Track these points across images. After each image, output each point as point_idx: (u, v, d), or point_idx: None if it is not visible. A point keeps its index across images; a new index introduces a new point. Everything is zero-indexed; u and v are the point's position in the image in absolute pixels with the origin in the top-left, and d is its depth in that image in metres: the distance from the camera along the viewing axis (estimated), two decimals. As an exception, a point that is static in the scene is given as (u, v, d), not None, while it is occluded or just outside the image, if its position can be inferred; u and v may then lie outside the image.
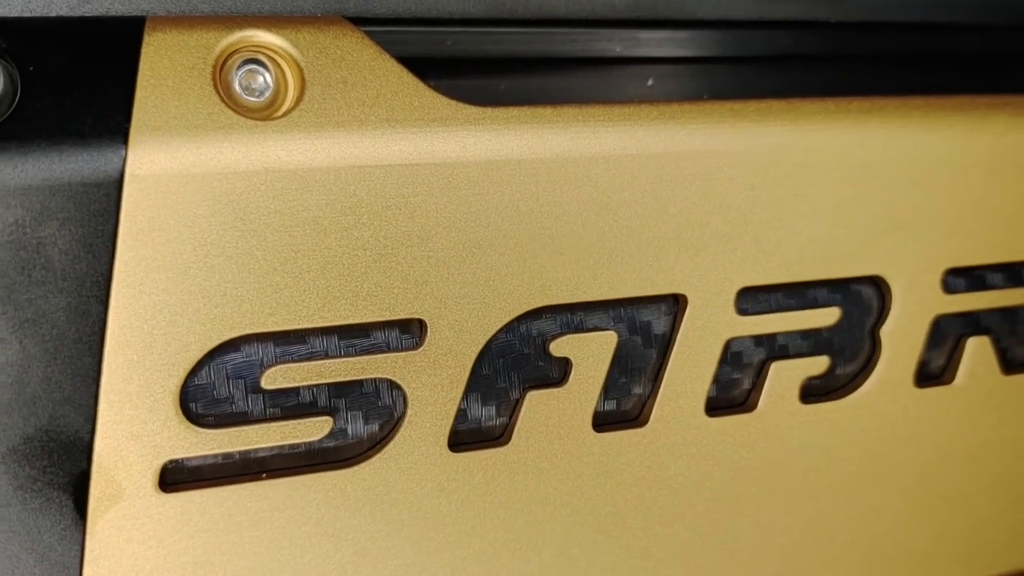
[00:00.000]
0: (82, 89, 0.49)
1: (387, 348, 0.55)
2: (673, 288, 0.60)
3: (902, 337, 0.66)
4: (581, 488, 0.60)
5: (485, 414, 0.58)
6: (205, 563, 0.54)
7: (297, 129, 0.51)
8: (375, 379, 0.56)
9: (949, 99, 0.64)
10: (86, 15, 0.49)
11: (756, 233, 0.60)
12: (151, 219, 0.49)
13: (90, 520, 0.52)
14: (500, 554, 0.60)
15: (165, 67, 0.49)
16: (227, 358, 0.53)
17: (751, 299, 0.62)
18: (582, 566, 0.62)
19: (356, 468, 0.56)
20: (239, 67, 0.51)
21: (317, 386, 0.55)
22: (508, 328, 0.58)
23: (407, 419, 0.56)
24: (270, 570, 0.55)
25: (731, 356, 0.63)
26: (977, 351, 0.68)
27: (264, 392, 0.54)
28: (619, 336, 0.60)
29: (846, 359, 0.66)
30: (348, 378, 0.55)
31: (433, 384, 0.56)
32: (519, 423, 0.58)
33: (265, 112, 0.51)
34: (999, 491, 0.73)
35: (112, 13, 0.49)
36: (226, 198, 0.50)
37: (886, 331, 0.65)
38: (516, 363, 0.58)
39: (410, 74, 0.53)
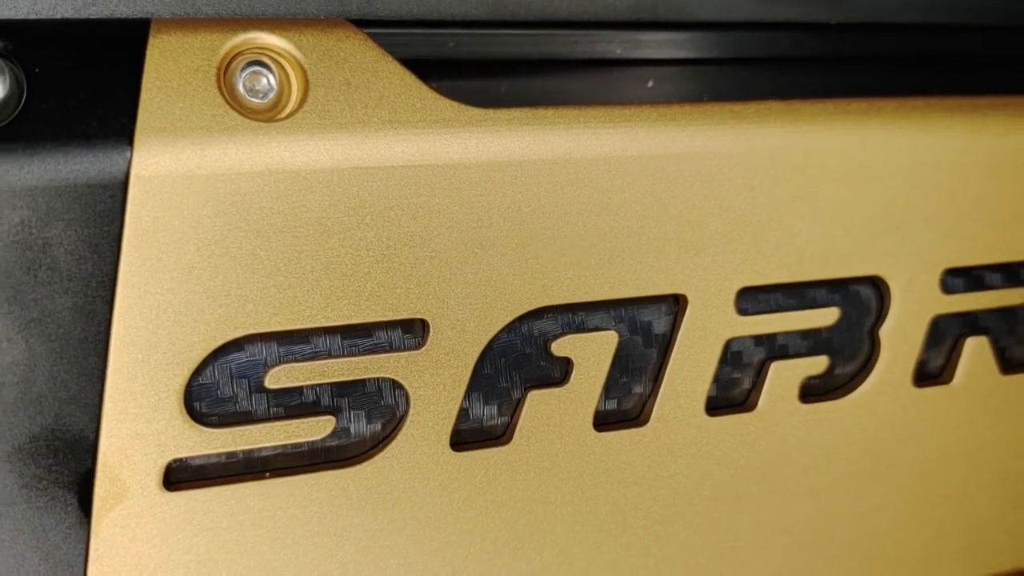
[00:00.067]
0: (87, 91, 0.49)
1: (390, 348, 0.56)
2: (673, 288, 0.60)
3: (901, 337, 0.66)
4: (582, 487, 0.61)
5: (487, 413, 0.59)
6: (209, 562, 0.54)
7: (301, 130, 0.51)
8: (378, 379, 0.56)
9: (948, 100, 0.64)
10: (91, 17, 0.49)
11: (756, 234, 0.60)
12: (156, 220, 0.50)
13: (94, 519, 0.52)
14: (502, 553, 0.60)
15: (170, 69, 0.50)
16: (231, 358, 0.53)
17: (751, 299, 0.63)
18: (583, 565, 0.62)
19: (359, 467, 0.56)
20: (243, 69, 0.51)
21: (320, 385, 0.55)
22: (510, 328, 0.58)
23: (409, 418, 0.56)
24: (273, 569, 0.55)
25: (731, 356, 0.63)
26: (976, 351, 0.69)
27: (268, 391, 0.54)
28: (620, 336, 0.60)
29: (845, 359, 0.66)
30: (351, 378, 0.55)
31: (435, 383, 0.56)
32: (521, 422, 0.59)
33: (269, 114, 0.51)
34: (998, 490, 0.73)
35: (117, 15, 0.49)
36: (230, 199, 0.51)
37: (885, 331, 0.66)
38: (518, 363, 0.59)
39: (413, 76, 0.53)
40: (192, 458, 0.54)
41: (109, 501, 0.52)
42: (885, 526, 0.70)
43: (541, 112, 0.55)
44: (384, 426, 0.57)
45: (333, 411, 0.56)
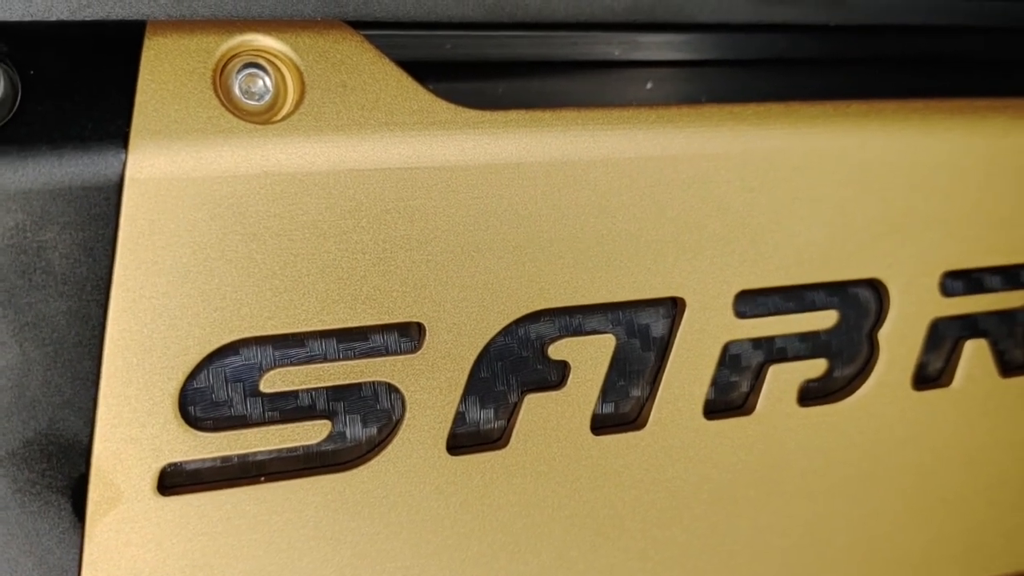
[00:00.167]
0: (83, 93, 0.49)
1: (386, 351, 0.55)
2: (671, 291, 0.60)
3: (900, 340, 0.66)
4: (579, 491, 0.60)
5: (483, 417, 0.58)
6: (204, 566, 0.54)
7: (297, 133, 0.51)
8: (374, 382, 0.56)
9: (947, 102, 0.64)
10: (87, 19, 0.49)
11: (754, 236, 0.60)
12: (151, 223, 0.49)
13: (89, 523, 0.52)
14: (499, 557, 0.60)
15: (165, 71, 0.49)
16: (226, 361, 0.53)
17: (749, 302, 0.62)
18: (581, 569, 0.62)
19: (354, 471, 0.56)
20: (239, 71, 0.51)
21: (316, 389, 0.55)
22: (506, 331, 0.58)
23: (405, 422, 0.56)
24: (269, 573, 0.55)
25: (729, 359, 0.63)
26: (975, 354, 0.69)
27: (263, 395, 0.54)
28: (617, 339, 0.60)
29: (844, 362, 0.66)
30: (347, 381, 0.55)
31: (431, 387, 0.56)
32: (517, 426, 0.59)
33: (265, 116, 0.51)
34: (997, 493, 0.73)
35: (113, 17, 0.49)
36: (226, 202, 0.50)
37: (884, 334, 0.66)
38: (514, 366, 0.58)
39: (409, 78, 0.53)
40: (187, 462, 0.54)
41: (103, 505, 0.52)
42: (884, 529, 0.69)
43: (538, 114, 0.55)
44: (380, 430, 0.57)
45: (329, 415, 0.55)
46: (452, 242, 0.55)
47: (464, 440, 0.58)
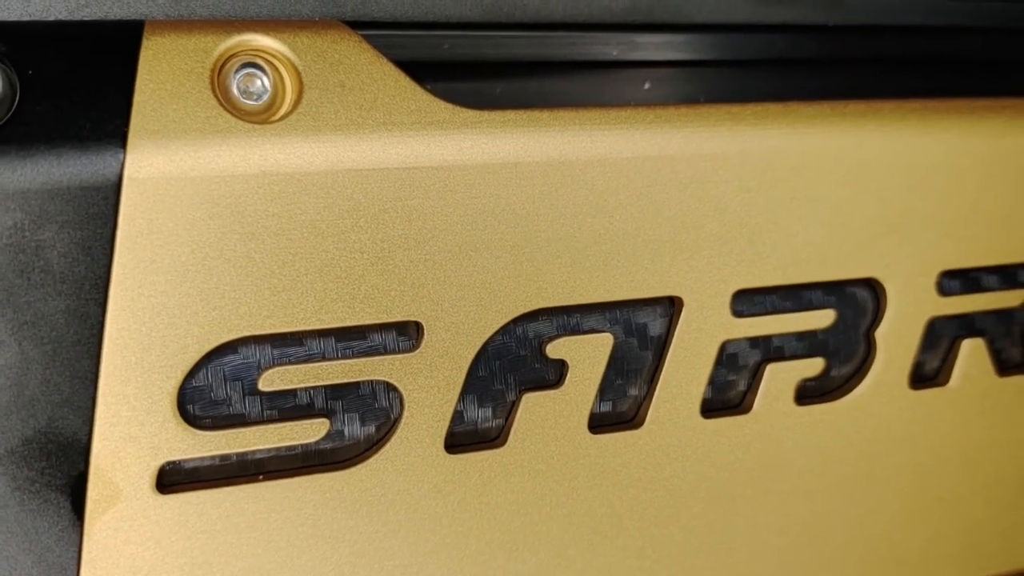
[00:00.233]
0: (81, 93, 0.49)
1: (384, 350, 0.56)
2: (669, 290, 0.60)
3: (897, 339, 0.66)
4: (577, 489, 0.61)
5: (481, 416, 0.59)
6: (202, 564, 0.54)
7: (295, 132, 0.51)
8: (372, 381, 0.56)
9: (945, 102, 0.64)
10: (85, 19, 0.49)
11: (752, 236, 0.60)
12: (149, 222, 0.50)
13: (88, 521, 0.52)
14: (496, 555, 0.60)
15: (163, 71, 0.50)
16: (225, 360, 0.53)
17: (746, 301, 0.62)
18: (578, 567, 0.62)
19: (353, 470, 0.56)
20: (237, 71, 0.51)
21: (314, 388, 0.55)
22: (504, 330, 0.58)
23: (403, 421, 0.56)
24: (267, 571, 0.55)
25: (726, 358, 0.63)
26: (972, 353, 0.69)
27: (261, 394, 0.54)
28: (615, 338, 0.60)
29: (841, 361, 0.66)
30: (345, 380, 0.55)
31: (429, 386, 0.56)
32: (515, 425, 0.59)
33: (263, 116, 0.51)
34: (994, 492, 0.73)
35: (111, 17, 0.49)
36: (224, 201, 0.51)
37: (881, 333, 0.66)
38: (512, 365, 0.58)
39: (407, 78, 0.53)
40: (185, 461, 0.54)
41: (102, 504, 0.52)
42: (881, 528, 0.70)
43: (536, 114, 0.55)
44: (378, 428, 0.57)
45: (327, 414, 0.56)
46: (450, 241, 0.55)
47: (462, 439, 0.58)
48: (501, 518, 0.59)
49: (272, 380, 0.54)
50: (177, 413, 0.52)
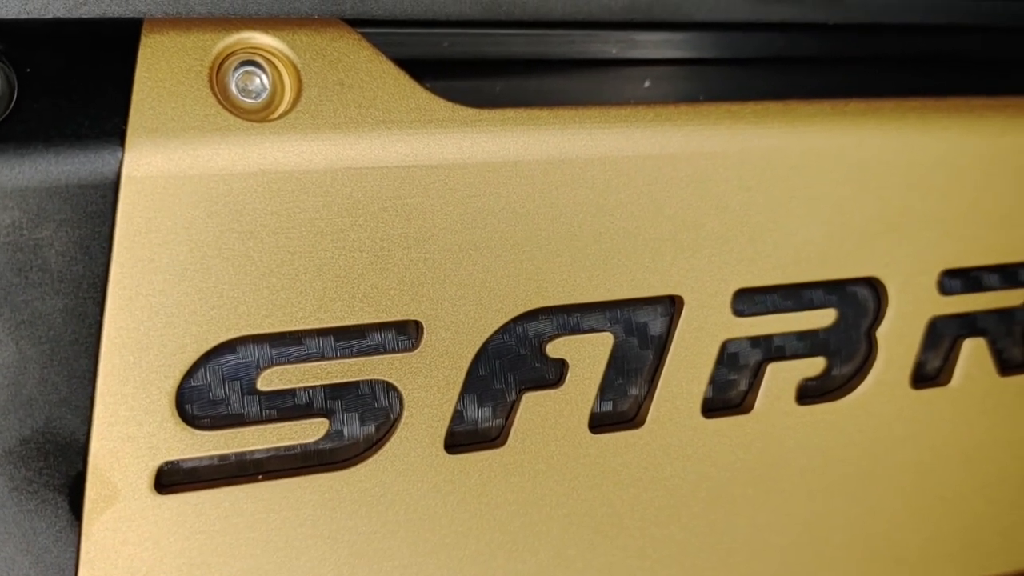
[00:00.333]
0: (79, 91, 0.49)
1: (383, 350, 0.55)
2: (669, 289, 0.60)
3: (898, 338, 0.66)
4: (577, 489, 0.60)
5: (481, 415, 0.58)
6: (201, 564, 0.54)
7: (294, 131, 0.51)
8: (371, 381, 0.56)
9: (945, 101, 0.64)
10: (83, 17, 0.49)
11: (752, 235, 0.60)
12: (148, 221, 0.49)
13: (86, 522, 0.52)
14: (496, 555, 0.60)
15: (162, 69, 0.49)
16: (223, 360, 0.53)
17: (747, 300, 0.62)
18: (579, 567, 0.62)
19: (352, 470, 0.56)
20: (236, 69, 0.51)
21: (313, 388, 0.55)
22: (504, 330, 0.58)
23: (403, 421, 0.56)
24: (266, 571, 0.55)
25: (727, 357, 0.63)
26: (973, 352, 0.69)
27: (260, 394, 0.54)
28: (615, 337, 0.60)
29: (842, 360, 0.66)
30: (344, 380, 0.55)
31: (429, 386, 0.56)
32: (515, 424, 0.58)
33: (262, 114, 0.51)
34: (995, 492, 0.73)
35: (109, 15, 0.49)
36: (223, 200, 0.50)
37: (882, 332, 0.66)
38: (512, 364, 0.58)
39: (406, 76, 0.53)
40: (184, 460, 0.54)
41: (100, 504, 0.52)
42: (882, 528, 0.69)
43: (536, 112, 0.55)
44: (378, 428, 0.57)
45: (326, 413, 0.55)
46: (450, 240, 0.55)
47: (462, 438, 0.58)
48: (501, 518, 0.59)
49: (271, 380, 0.54)
50: (176, 413, 0.52)
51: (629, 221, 0.58)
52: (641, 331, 0.61)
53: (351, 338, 0.55)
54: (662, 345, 0.61)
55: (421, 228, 0.54)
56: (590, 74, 0.62)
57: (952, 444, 0.70)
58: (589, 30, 0.61)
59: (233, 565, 0.55)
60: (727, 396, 0.64)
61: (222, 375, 0.53)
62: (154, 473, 0.52)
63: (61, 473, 0.51)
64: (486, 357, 0.58)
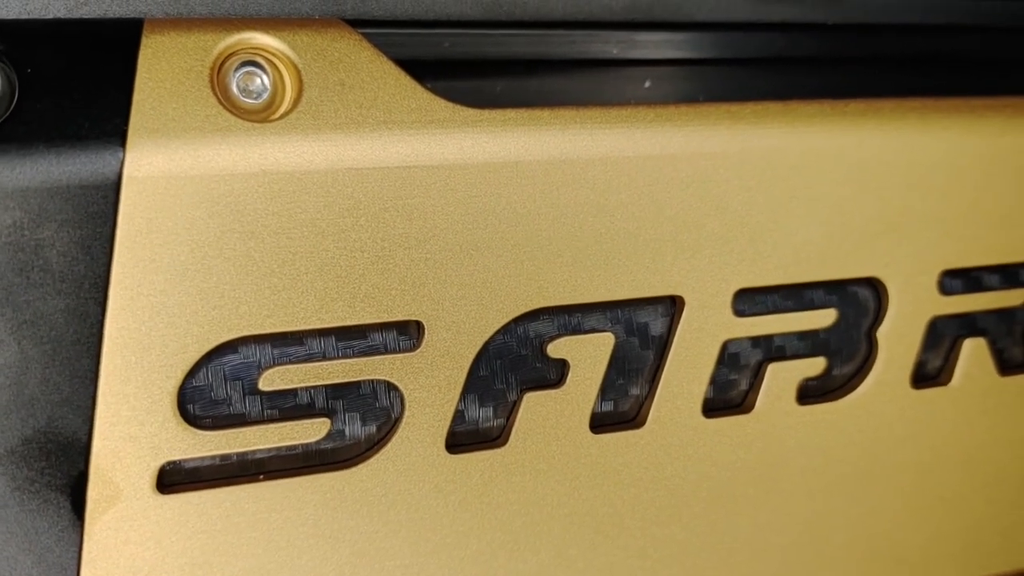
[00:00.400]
0: (80, 91, 0.49)
1: (384, 350, 0.55)
2: (670, 290, 0.60)
3: (898, 338, 0.66)
4: (578, 489, 0.60)
5: (482, 415, 0.58)
6: (203, 564, 0.54)
7: (294, 131, 0.51)
8: (372, 381, 0.56)
9: (945, 101, 0.64)
10: (84, 17, 0.49)
11: (753, 235, 0.60)
12: (149, 221, 0.49)
13: (88, 521, 0.52)
14: (498, 555, 0.60)
15: (163, 69, 0.49)
16: (225, 360, 0.53)
17: (748, 300, 0.62)
18: (580, 567, 0.62)
19: (353, 469, 0.56)
20: (237, 69, 0.51)
21: (315, 388, 0.55)
22: (505, 330, 0.58)
23: (404, 420, 0.56)
24: (268, 571, 0.55)
25: (728, 357, 0.63)
26: (973, 352, 0.69)
27: (262, 394, 0.54)
28: (616, 338, 0.60)
29: (843, 360, 0.66)
30: (346, 380, 0.55)
31: (430, 386, 0.56)
32: (516, 424, 0.58)
33: (263, 114, 0.51)
34: (995, 492, 0.73)
35: (110, 15, 0.49)
36: (224, 200, 0.50)
37: (883, 332, 0.66)
38: (513, 364, 0.58)
39: (407, 76, 0.53)
40: (186, 460, 0.54)
41: (102, 504, 0.52)
42: (883, 528, 0.69)
43: (537, 113, 0.55)
44: (379, 428, 0.57)
45: (328, 413, 0.55)
46: (451, 240, 0.55)
47: (463, 438, 0.58)
48: (502, 518, 0.59)
49: (272, 380, 0.54)
50: (177, 413, 0.52)
51: (630, 221, 0.58)
52: (642, 331, 0.61)
53: (352, 338, 0.55)
54: (663, 345, 0.61)
55: (422, 228, 0.54)
56: (591, 74, 0.62)
57: (952, 444, 0.70)
58: (590, 30, 0.61)
59: (235, 565, 0.55)
60: (728, 396, 0.64)
61: (224, 375, 0.53)
62: (156, 473, 0.52)
63: (63, 473, 0.51)
64: (487, 357, 0.58)
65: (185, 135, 0.49)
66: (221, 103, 0.50)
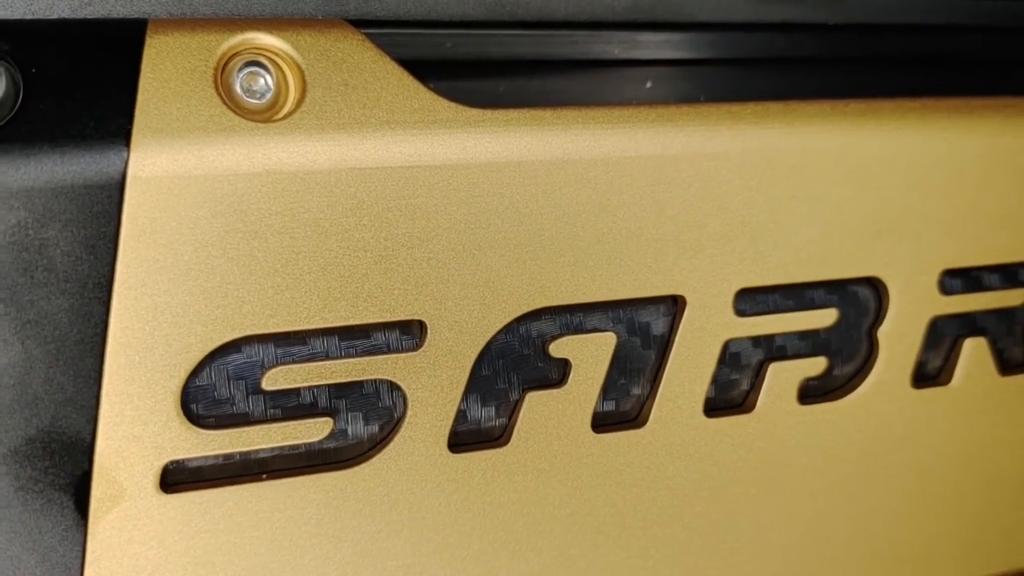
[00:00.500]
0: (84, 91, 0.49)
1: (387, 349, 0.56)
2: (672, 289, 0.60)
3: (899, 338, 0.66)
4: (580, 489, 0.61)
5: (485, 415, 0.58)
6: (206, 563, 0.54)
7: (298, 131, 0.51)
8: (375, 380, 0.56)
9: (945, 101, 0.64)
10: (88, 17, 0.49)
11: (754, 235, 0.60)
12: (153, 221, 0.50)
13: (91, 521, 0.52)
14: (500, 555, 0.60)
15: (167, 69, 0.50)
16: (228, 359, 0.53)
17: (749, 300, 0.62)
18: (581, 567, 0.62)
19: (356, 469, 0.56)
20: (240, 69, 0.51)
21: (317, 387, 0.55)
22: (508, 329, 0.58)
23: (407, 420, 0.56)
24: (271, 570, 0.55)
25: (729, 357, 0.63)
26: (974, 352, 0.69)
27: (265, 393, 0.54)
28: (618, 337, 0.60)
29: (844, 360, 0.66)
30: (348, 379, 0.55)
31: (433, 385, 0.56)
32: (518, 424, 0.59)
33: (266, 114, 0.51)
34: (996, 491, 0.73)
35: (114, 15, 0.49)
36: (227, 200, 0.50)
37: (883, 332, 0.66)
38: (516, 364, 0.58)
39: (410, 76, 0.53)
40: (189, 460, 0.54)
41: (106, 503, 0.52)
42: (883, 527, 0.70)
43: (539, 113, 0.55)
44: (382, 428, 0.57)
45: (330, 413, 0.55)
46: (453, 240, 0.55)
47: (465, 438, 0.58)
48: (504, 517, 0.59)
49: (275, 379, 0.54)
50: (181, 412, 0.52)
51: (631, 221, 0.58)
52: (643, 331, 0.61)
53: (355, 338, 0.55)
54: (664, 345, 0.61)
55: (425, 228, 0.54)
56: (593, 74, 0.62)
57: (952, 444, 0.70)
58: (592, 31, 0.61)
59: (238, 564, 0.55)
60: (729, 396, 0.64)
61: (227, 375, 0.53)
62: (159, 472, 0.52)
63: (67, 472, 0.51)
64: (489, 357, 0.58)
65: (189, 135, 0.50)
66: (225, 103, 0.50)
